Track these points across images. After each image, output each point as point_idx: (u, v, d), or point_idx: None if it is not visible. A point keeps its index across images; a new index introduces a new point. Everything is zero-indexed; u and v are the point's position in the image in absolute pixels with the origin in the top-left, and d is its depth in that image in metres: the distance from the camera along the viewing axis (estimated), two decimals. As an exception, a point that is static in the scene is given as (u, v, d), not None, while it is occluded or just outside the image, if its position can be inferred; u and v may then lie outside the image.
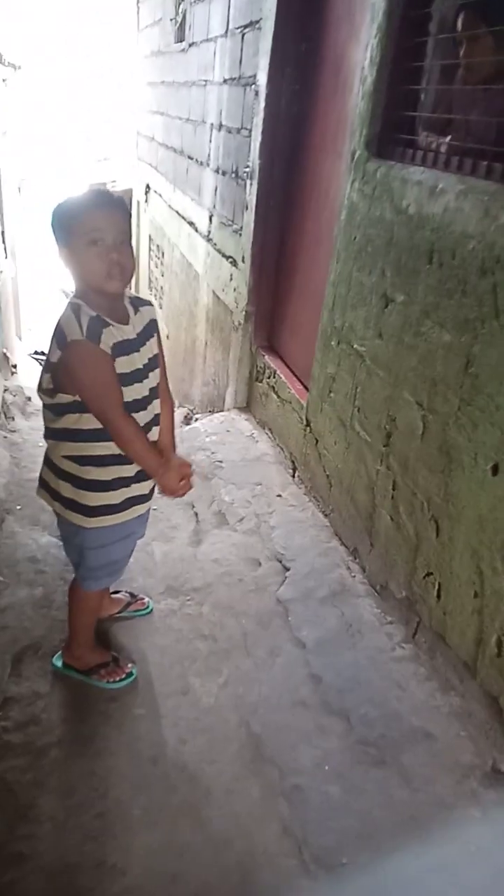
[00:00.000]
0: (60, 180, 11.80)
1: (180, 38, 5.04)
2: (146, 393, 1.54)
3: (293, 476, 2.92)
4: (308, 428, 2.71)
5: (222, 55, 3.71)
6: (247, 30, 3.23)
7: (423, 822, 1.49)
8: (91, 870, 1.39)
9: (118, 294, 1.48)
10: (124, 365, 1.46)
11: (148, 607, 2.10)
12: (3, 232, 6.37)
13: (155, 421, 1.61)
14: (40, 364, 1.55)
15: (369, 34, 2.03)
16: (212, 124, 3.99)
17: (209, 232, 4.16)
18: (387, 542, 2.10)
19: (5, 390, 4.23)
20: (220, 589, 2.22)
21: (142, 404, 1.53)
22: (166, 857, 1.42)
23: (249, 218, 3.24)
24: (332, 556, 2.38)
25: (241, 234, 3.41)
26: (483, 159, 1.63)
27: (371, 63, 2.03)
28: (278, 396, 3.11)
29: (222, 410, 3.78)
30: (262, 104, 2.97)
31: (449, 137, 1.87)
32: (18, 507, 2.64)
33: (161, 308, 6.11)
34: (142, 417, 1.53)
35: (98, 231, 1.37)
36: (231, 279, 3.62)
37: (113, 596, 2.05)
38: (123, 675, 1.82)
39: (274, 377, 3.17)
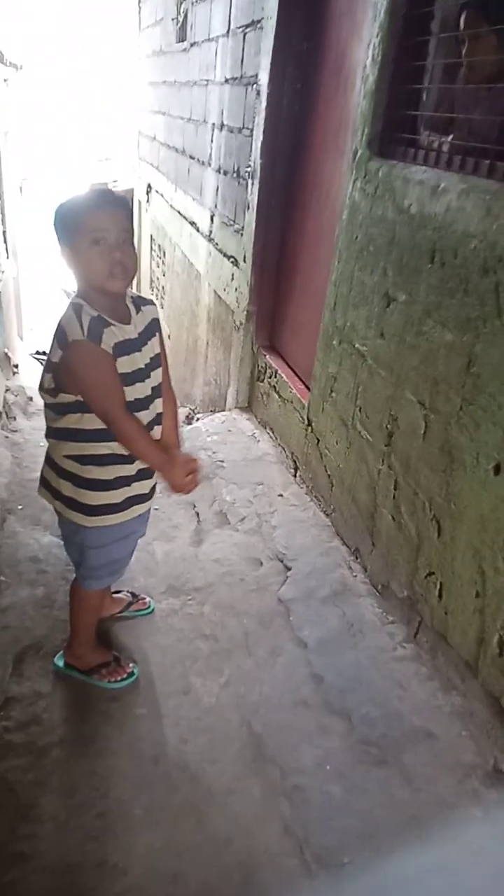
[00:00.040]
0: (61, 180, 11.81)
1: (182, 37, 5.05)
2: (148, 392, 1.54)
3: (294, 476, 2.92)
4: (309, 427, 2.71)
5: (224, 55, 3.71)
6: (248, 29, 3.23)
7: (424, 822, 1.49)
8: (92, 869, 1.39)
9: (120, 293, 1.48)
10: (126, 364, 1.46)
11: (149, 607, 2.10)
12: (4, 232, 6.37)
13: (157, 420, 1.60)
14: (41, 364, 1.55)
15: (371, 32, 2.02)
16: (213, 124, 3.99)
17: (211, 231, 4.16)
18: (388, 542, 2.10)
19: (7, 390, 4.23)
20: (221, 589, 2.22)
21: (144, 404, 1.53)
22: (167, 857, 1.42)
23: (251, 217, 3.24)
24: (334, 556, 2.38)
25: (242, 234, 3.41)
26: (485, 158, 1.62)
27: (373, 62, 2.03)
28: (280, 396, 3.11)
29: (224, 410, 3.78)
30: (264, 103, 2.97)
31: (451, 136, 1.87)
32: (20, 507, 2.64)
33: (163, 308, 6.11)
34: (144, 417, 1.53)
35: (100, 230, 1.37)
36: (232, 279, 3.62)
37: (114, 595, 2.05)
38: (125, 675, 1.82)
39: (275, 377, 3.17)
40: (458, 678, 1.77)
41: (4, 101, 6.92)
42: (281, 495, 2.79)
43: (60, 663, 1.84)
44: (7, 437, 3.41)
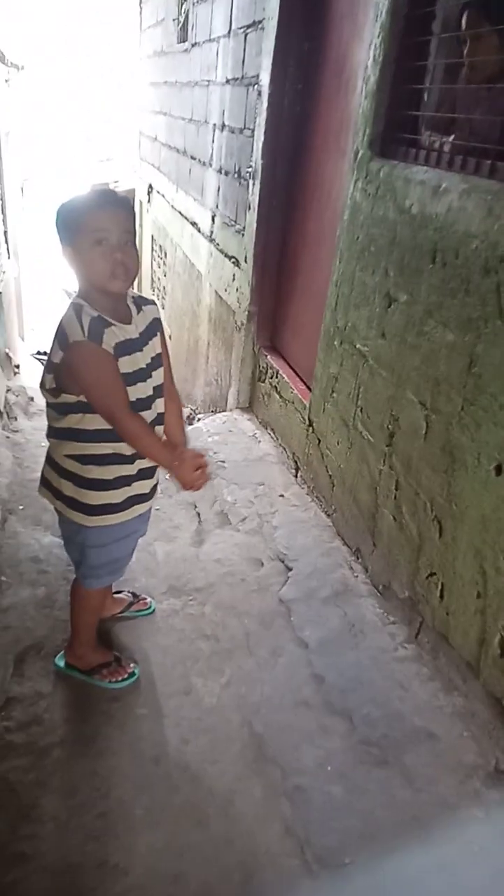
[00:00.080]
0: (62, 180, 11.81)
1: (183, 38, 5.05)
2: (150, 392, 1.54)
3: (296, 476, 2.92)
4: (311, 428, 2.71)
5: (225, 55, 3.71)
6: (249, 30, 3.23)
7: (425, 823, 1.49)
8: (93, 869, 1.39)
9: (122, 294, 1.48)
10: (127, 364, 1.46)
11: (150, 607, 2.10)
12: (5, 232, 6.37)
13: (159, 420, 1.60)
14: (42, 364, 1.55)
15: (373, 33, 2.02)
16: (214, 124, 3.99)
17: (212, 232, 4.16)
18: (389, 542, 2.10)
19: (8, 390, 4.23)
20: (222, 589, 2.22)
21: (146, 403, 1.53)
22: (168, 857, 1.42)
23: (252, 218, 3.24)
24: (335, 557, 2.38)
25: (243, 234, 3.41)
26: (486, 158, 1.62)
27: (374, 62, 2.03)
28: (281, 396, 3.11)
29: (225, 410, 3.78)
30: (265, 104, 2.97)
31: (452, 137, 1.87)
32: (21, 507, 2.64)
33: (164, 308, 6.11)
34: (146, 416, 1.53)
35: (102, 231, 1.37)
36: (233, 279, 3.62)
37: (115, 596, 2.05)
38: (126, 675, 1.82)
39: (276, 377, 3.17)
40: (459, 679, 1.77)
41: (5, 101, 6.92)
42: (282, 496, 2.79)
43: (61, 663, 1.84)
44: (8, 437, 3.41)
